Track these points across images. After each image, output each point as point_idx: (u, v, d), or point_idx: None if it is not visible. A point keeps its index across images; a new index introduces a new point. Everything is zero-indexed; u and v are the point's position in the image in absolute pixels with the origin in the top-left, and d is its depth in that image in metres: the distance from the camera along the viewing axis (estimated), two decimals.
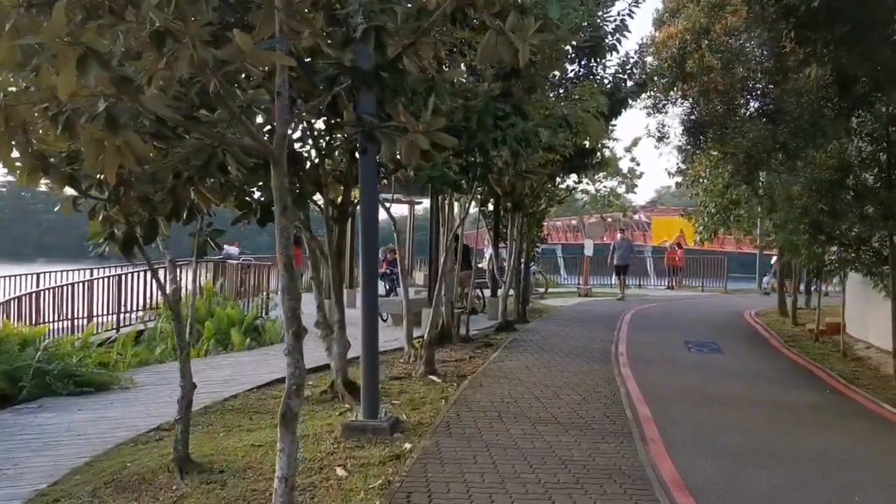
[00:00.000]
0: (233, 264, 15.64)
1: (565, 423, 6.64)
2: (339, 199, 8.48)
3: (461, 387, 8.45)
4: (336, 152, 7.87)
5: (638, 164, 31.81)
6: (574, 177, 15.96)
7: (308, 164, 7.65)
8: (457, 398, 7.75)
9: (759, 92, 14.26)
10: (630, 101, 12.83)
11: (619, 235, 23.77)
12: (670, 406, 7.49)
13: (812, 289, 17.25)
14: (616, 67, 13.12)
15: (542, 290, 23.45)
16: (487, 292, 17.15)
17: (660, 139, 17.35)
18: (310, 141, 7.27)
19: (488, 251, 18.87)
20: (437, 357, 10.76)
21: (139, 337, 12.05)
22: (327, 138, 7.60)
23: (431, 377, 9.22)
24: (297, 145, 7.52)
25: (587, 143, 12.77)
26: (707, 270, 28.71)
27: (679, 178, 34.46)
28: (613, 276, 23.77)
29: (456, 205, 13.91)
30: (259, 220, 7.39)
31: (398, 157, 6.48)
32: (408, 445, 6.03)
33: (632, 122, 72.13)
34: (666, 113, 16.83)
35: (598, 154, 13.87)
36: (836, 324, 13.92)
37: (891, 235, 8.75)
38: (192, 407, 5.94)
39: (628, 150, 31.69)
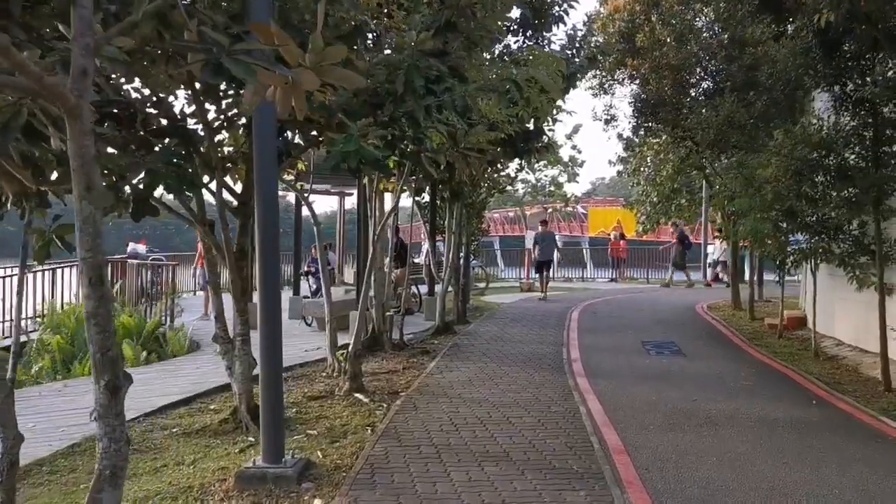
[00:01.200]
0: (134, 264, 13.93)
1: (520, 460, 5.39)
2: (241, 185, 7.07)
3: (392, 409, 7.14)
4: (235, 123, 6.44)
5: (580, 152, 31.05)
6: (517, 162, 14.80)
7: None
8: (386, 426, 6.43)
9: (713, 68, 13.31)
10: (579, 77, 11.69)
11: (539, 227, 21.04)
12: (641, 430, 6.33)
13: (771, 280, 16.50)
14: (563, 41, 11.97)
15: (482, 285, 22.34)
16: (424, 289, 15.90)
17: (607, 122, 16.29)
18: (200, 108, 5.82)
19: (426, 245, 17.59)
20: (367, 368, 9.46)
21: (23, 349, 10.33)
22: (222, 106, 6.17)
23: (358, 395, 7.89)
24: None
25: (531, 125, 11.58)
26: (651, 262, 27.99)
27: (621, 167, 34.14)
28: (533, 272, 21.04)
29: (390, 196, 12.64)
30: (132, 213, 5.95)
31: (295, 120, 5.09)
32: (318, 503, 4.68)
33: (573, 108, 71.75)
34: (613, 94, 15.79)
35: (545, 137, 12.68)
36: (796, 318, 13.13)
37: (878, 221, 7.80)
38: (57, 443, 4.48)
39: (570, 137, 30.67)
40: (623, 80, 15.55)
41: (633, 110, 14.69)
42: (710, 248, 41.41)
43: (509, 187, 33.32)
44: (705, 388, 8.01)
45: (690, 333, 12.49)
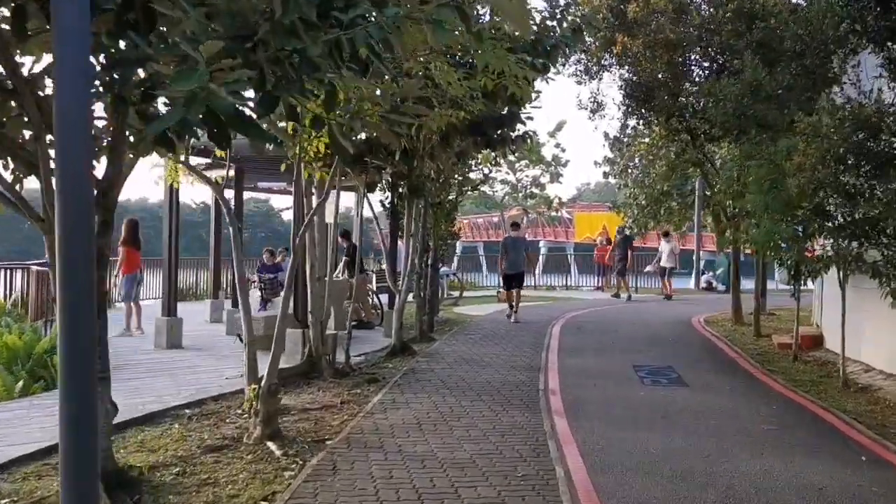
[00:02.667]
0: (37, 271, 12.06)
1: None
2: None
3: (306, 469, 5.38)
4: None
5: (563, 151, 29.40)
6: (491, 156, 13.15)
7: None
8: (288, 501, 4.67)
9: (715, 47, 11.63)
10: (566, 52, 9.98)
11: (510, 230, 16.60)
12: None
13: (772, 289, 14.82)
14: (543, 11, 10.27)
15: (456, 294, 20.62)
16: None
17: (594, 111, 14.59)
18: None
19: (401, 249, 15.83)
20: (297, 401, 7.75)
21: None
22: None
23: (270, 445, 6.12)
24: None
25: (504, 108, 9.88)
26: (638, 269, 26.29)
27: (607, 168, 32.56)
28: (501, 283, 17.02)
29: (346, 194, 10.90)
30: None
31: None
32: None
33: (557, 101, 69.50)
34: (601, 79, 14.10)
35: (522, 124, 10.96)
36: (809, 336, 11.49)
37: None
38: None
39: (552, 134, 29.00)
40: (611, 64, 13.88)
41: (624, 96, 13.00)
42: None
43: (486, 188, 31.56)
44: (719, 436, 6.30)
45: (689, 354, 10.80)
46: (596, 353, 10.76)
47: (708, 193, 26.75)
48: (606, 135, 32.63)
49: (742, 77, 7.99)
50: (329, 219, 17.07)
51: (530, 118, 11.23)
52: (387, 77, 4.18)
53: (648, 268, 25.64)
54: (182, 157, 7.16)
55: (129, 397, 7.82)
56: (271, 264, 15.75)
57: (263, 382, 6.45)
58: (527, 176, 28.08)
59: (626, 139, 30.46)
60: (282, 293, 14.59)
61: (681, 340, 12.30)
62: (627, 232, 22.87)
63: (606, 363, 9.88)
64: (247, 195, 22.16)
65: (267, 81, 3.54)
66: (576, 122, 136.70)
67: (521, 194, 29.49)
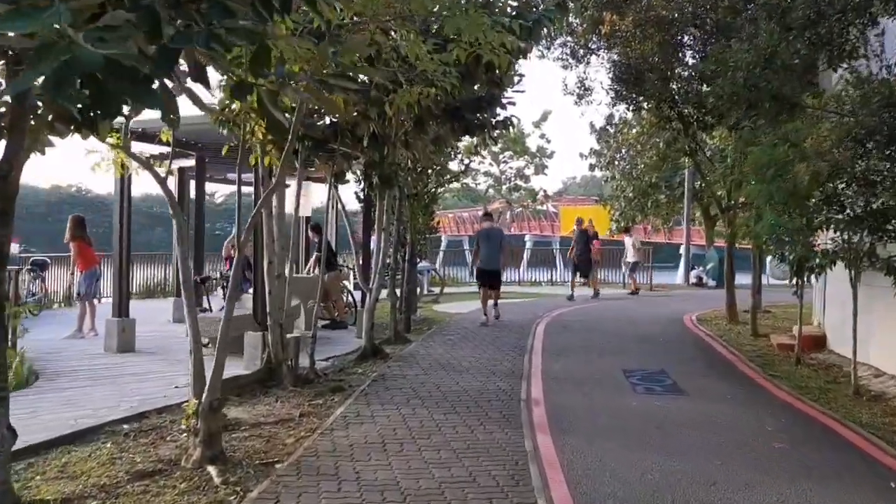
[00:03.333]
0: None
1: None
2: None
3: (246, 501, 4.61)
4: None
5: (549, 142, 28.66)
6: (468, 142, 12.38)
7: None
8: None
9: (710, 25, 10.88)
10: (549, 28, 9.21)
11: (483, 222, 14.54)
12: None
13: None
14: None
15: (437, 290, 19.85)
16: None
17: (580, 96, 13.82)
18: None
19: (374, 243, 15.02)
20: (251, 414, 7.02)
21: None
22: None
23: (210, 469, 5.33)
24: None
25: (482, 88, 9.11)
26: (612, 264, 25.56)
27: (593, 160, 31.88)
28: (477, 284, 14.44)
29: (320, 186, 10.09)
30: None
31: None
32: None
33: (542, 89, 68.08)
34: (588, 63, 13.33)
35: (502, 108, 10.19)
36: (811, 337, 10.80)
37: None
38: None
39: (537, 125, 28.24)
40: (599, 47, 13.14)
41: (612, 79, 12.24)
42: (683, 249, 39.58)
43: (469, 180, 30.77)
44: (724, 456, 5.57)
45: (684, 357, 10.10)
46: (583, 355, 10.02)
47: (699, 185, 26.16)
48: (592, 125, 32.04)
49: (755, 43, 7.20)
50: (304, 212, 16.31)
51: (512, 103, 10.48)
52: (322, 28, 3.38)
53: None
54: (110, 140, 6.35)
55: (62, 410, 7.01)
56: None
57: (204, 397, 5.65)
58: (511, 168, 27.39)
59: (613, 128, 29.85)
60: (250, 291, 13.77)
61: (673, 341, 11.59)
62: (585, 224, 20.26)
63: (594, 367, 9.15)
64: (226, 188, 21.17)
65: (163, 30, 2.75)
66: (561, 113, 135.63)
67: (505, 187, 28.76)
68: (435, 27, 6.70)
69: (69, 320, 12.34)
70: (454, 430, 6.25)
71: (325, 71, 3.56)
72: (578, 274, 19.54)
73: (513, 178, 27.87)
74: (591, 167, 31.98)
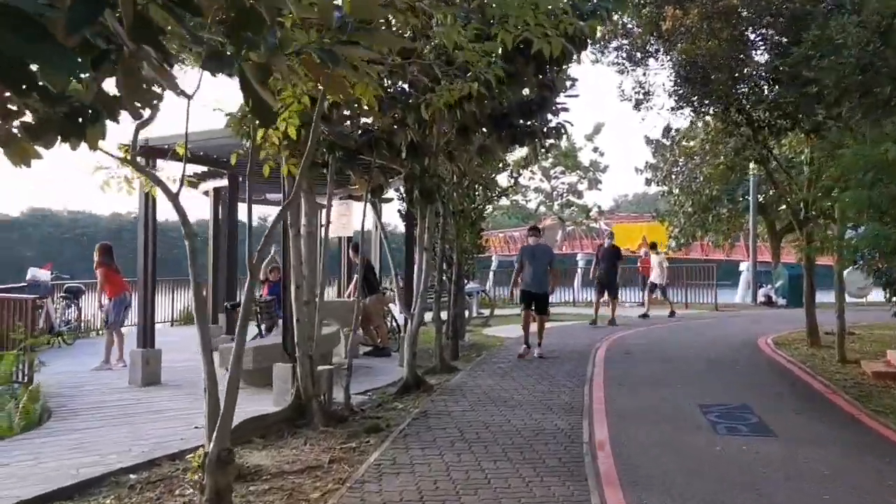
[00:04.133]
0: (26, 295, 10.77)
1: None
2: None
3: None
4: None
5: (602, 155, 27.53)
6: (517, 156, 11.53)
7: None
8: None
9: (786, 16, 9.81)
10: (606, 19, 8.34)
11: (531, 239, 12.32)
12: None
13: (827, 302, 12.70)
14: None
15: (486, 313, 18.92)
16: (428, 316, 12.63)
17: (638, 103, 12.82)
18: None
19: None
20: (277, 459, 6.25)
21: None
22: None
23: None
24: None
25: (529, 90, 8.26)
26: (689, 281, 24.20)
27: (649, 175, 30.68)
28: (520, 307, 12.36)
29: (356, 204, 9.34)
30: None
31: None
32: None
33: (594, 99, 65.85)
34: (646, 66, 12.36)
35: (553, 115, 9.30)
36: None
37: None
38: None
39: (590, 138, 27.22)
40: (657, 49, 12.17)
41: (676, 80, 11.23)
42: (743, 266, 37.77)
43: (518, 196, 29.76)
44: None
45: (766, 388, 8.99)
46: (651, 386, 8.99)
47: (764, 197, 24.71)
48: (648, 138, 31.00)
49: (866, 18, 6.16)
50: (346, 232, 15.62)
51: (565, 108, 9.59)
52: None
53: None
54: (119, 153, 5.67)
55: (68, 456, 6.32)
56: (275, 280, 14.31)
57: (211, 447, 4.85)
58: (562, 183, 26.39)
59: (671, 139, 28.55)
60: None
61: (751, 368, 10.46)
62: (613, 240, 17.92)
63: (665, 401, 8.12)
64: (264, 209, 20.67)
65: None
66: (613, 126, 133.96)
67: (556, 203, 27.75)
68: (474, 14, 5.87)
69: (103, 350, 11.80)
70: (506, 482, 5.33)
71: (327, 39, 2.75)
72: (606, 293, 16.87)
73: (564, 195, 26.89)
74: (647, 182, 30.82)
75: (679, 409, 7.69)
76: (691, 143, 21.42)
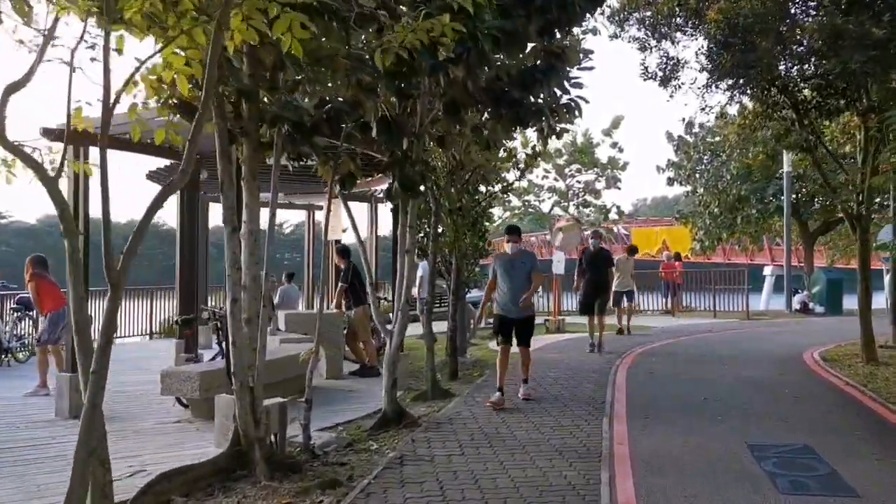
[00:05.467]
0: None
1: None
2: None
3: None
4: None
5: (621, 151, 25.70)
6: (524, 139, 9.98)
7: None
8: None
9: None
10: None
11: (508, 245, 8.83)
12: None
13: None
14: None
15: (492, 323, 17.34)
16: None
17: (665, 80, 11.19)
18: None
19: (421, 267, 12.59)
20: None
21: None
22: None
23: None
24: None
25: (529, 54, 6.71)
26: (717, 287, 22.41)
27: (671, 173, 29.02)
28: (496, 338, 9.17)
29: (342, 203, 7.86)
30: None
31: None
32: None
33: (611, 87, 63.22)
34: (675, 41, 10.77)
35: (563, 91, 7.73)
36: None
37: None
38: None
39: (608, 132, 25.59)
40: (686, 20, 10.59)
41: (710, 48, 9.62)
42: (768, 270, 35.89)
43: (531, 196, 27.97)
44: None
45: (827, 420, 7.38)
46: (683, 417, 7.40)
47: (793, 197, 22.92)
48: (670, 134, 29.36)
49: None
50: (333, 235, 14.13)
51: (578, 83, 8.01)
52: None
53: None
54: None
55: None
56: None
57: None
58: (578, 182, 24.74)
59: (697, 131, 26.71)
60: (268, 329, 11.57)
61: (802, 393, 8.83)
62: (598, 241, 13.70)
63: (704, 441, 6.52)
64: (294, 215, 19.29)
65: None
66: (633, 123, 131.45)
67: (572, 204, 26.11)
68: None
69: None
70: None
71: None
72: (597, 307, 12.62)
73: (581, 194, 25.25)
74: (670, 181, 29.20)
75: (723, 454, 6.09)
76: (725, 132, 19.55)
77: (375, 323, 8.98)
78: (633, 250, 17.11)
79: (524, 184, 24.76)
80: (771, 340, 14.28)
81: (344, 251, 11.30)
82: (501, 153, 10.30)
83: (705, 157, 27.24)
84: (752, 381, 9.60)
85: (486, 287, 9.14)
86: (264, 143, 6.12)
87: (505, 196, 12.03)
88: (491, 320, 12.81)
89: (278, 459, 5.88)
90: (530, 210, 27.57)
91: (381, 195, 12.25)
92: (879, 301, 22.04)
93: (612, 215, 28.76)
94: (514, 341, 8.48)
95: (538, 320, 18.76)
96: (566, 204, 26.68)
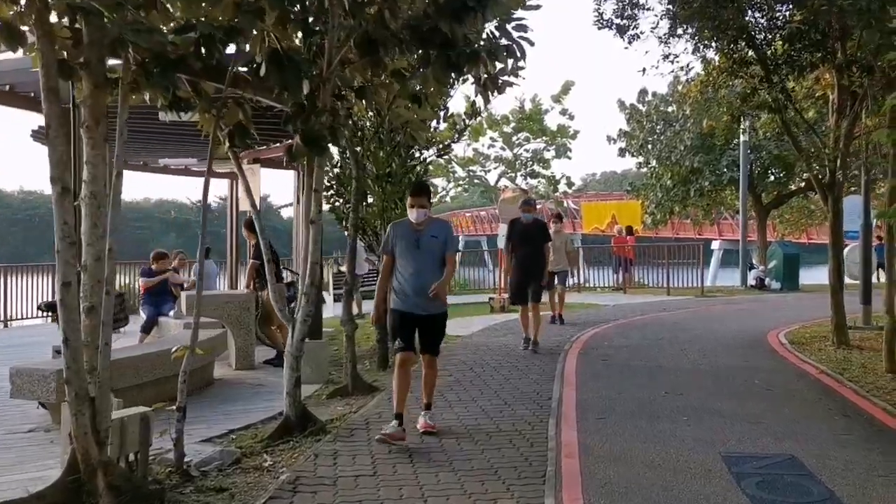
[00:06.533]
0: None
1: None
2: None
3: None
4: None
5: (571, 119, 24.59)
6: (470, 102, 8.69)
7: None
8: None
9: None
10: None
11: (413, 214, 6.15)
12: None
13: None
14: None
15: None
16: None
17: (622, 28, 9.99)
18: None
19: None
20: None
21: None
22: None
23: None
24: None
25: None
26: (670, 261, 21.51)
27: (623, 144, 28.14)
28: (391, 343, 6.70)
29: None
30: None
31: None
32: None
33: (562, 54, 61.80)
34: None
35: (503, 33, 6.50)
36: None
37: None
38: None
39: (558, 98, 24.47)
40: None
41: None
42: (716, 245, 35.58)
43: (477, 167, 26.86)
44: None
45: (806, 419, 6.37)
46: (645, 421, 6.31)
47: (755, 165, 22.20)
48: (622, 102, 28.42)
49: None
50: (244, 205, 12.75)
51: (522, 25, 6.77)
52: None
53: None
54: None
55: None
56: (158, 271, 11.53)
57: None
58: (526, 151, 23.58)
59: (651, 99, 25.77)
60: (171, 314, 10.18)
61: (775, 384, 7.84)
62: (531, 211, 10.60)
63: (671, 452, 5.42)
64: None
65: None
66: (583, 95, 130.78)
67: (519, 173, 24.97)
68: None
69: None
70: None
71: None
72: (531, 294, 10.10)
73: (529, 164, 24.11)
74: (621, 152, 28.37)
75: (696, 467, 5.01)
76: (685, 91, 18.39)
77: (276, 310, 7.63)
78: (559, 217, 14.28)
79: (469, 153, 23.61)
80: (730, 320, 13.41)
81: (251, 224, 9.96)
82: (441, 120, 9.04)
83: (658, 127, 26.42)
84: (717, 369, 8.61)
85: (380, 270, 6.53)
86: (117, 80, 4.77)
87: (443, 160, 10.71)
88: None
89: (135, 486, 4.59)
90: (475, 181, 26.40)
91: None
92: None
93: (562, 186, 27.74)
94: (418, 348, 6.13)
95: (481, 298, 17.89)
96: (513, 174, 25.54)
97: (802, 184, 27.12)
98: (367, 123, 8.91)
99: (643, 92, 27.34)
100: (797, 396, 7.27)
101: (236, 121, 5.75)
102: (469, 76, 7.07)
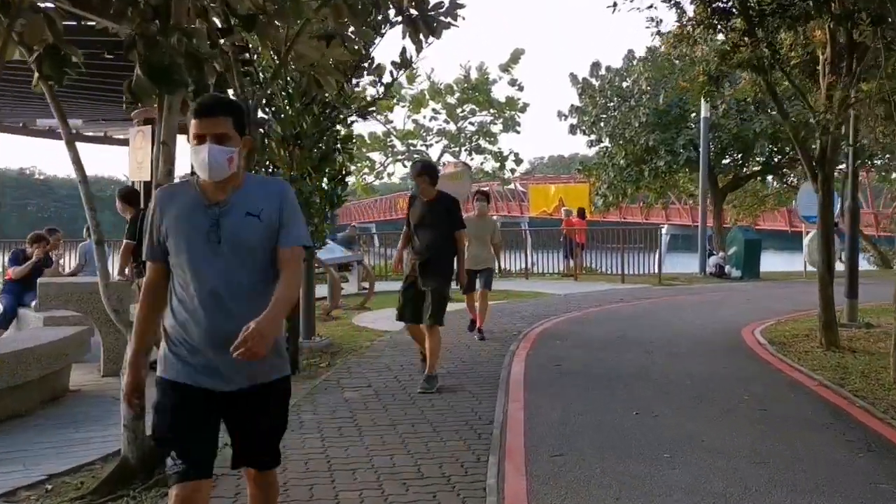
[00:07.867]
0: None
1: None
2: None
3: None
4: None
5: (521, 90, 23.04)
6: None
7: None
8: None
9: None
10: None
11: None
12: None
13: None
14: None
15: (367, 286, 14.69)
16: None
17: None
18: None
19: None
20: None
21: None
22: None
23: None
24: None
25: None
26: (626, 247, 20.12)
27: (574, 120, 26.83)
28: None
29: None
30: None
31: None
32: None
33: (513, 15, 59.20)
34: None
35: None
36: None
37: None
38: None
39: (506, 68, 22.90)
40: None
41: None
42: (664, 229, 34.88)
43: (417, 141, 25.19)
44: None
45: (826, 454, 4.95)
46: (616, 459, 4.81)
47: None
48: (574, 76, 27.05)
49: None
50: (138, 175, 10.96)
51: None
52: None
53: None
54: None
55: None
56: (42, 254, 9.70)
57: None
58: (472, 124, 22.00)
59: (604, 73, 24.44)
60: (33, 305, 8.58)
61: (768, 400, 6.44)
62: (430, 180, 7.05)
63: (650, 500, 3.95)
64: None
65: None
66: (533, 67, 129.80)
67: (463, 148, 23.37)
68: None
69: None
70: None
71: None
72: (429, 296, 6.78)
73: (474, 138, 22.54)
74: (572, 129, 27.04)
75: None
76: (659, 44, 16.83)
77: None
78: (485, 196, 10.13)
79: (409, 125, 21.84)
80: (696, 313, 12.10)
81: (129, 196, 8.19)
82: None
83: (611, 104, 25.13)
84: (693, 379, 7.18)
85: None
86: None
87: (365, 118, 9.00)
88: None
89: None
90: (416, 156, 24.73)
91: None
92: (797, 265, 20.61)
93: (510, 163, 26.23)
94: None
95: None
96: (457, 149, 23.92)
97: (758, 167, 26.29)
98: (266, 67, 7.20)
99: (596, 65, 26.00)
100: (800, 420, 5.87)
101: (40, 37, 4.02)
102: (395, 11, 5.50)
